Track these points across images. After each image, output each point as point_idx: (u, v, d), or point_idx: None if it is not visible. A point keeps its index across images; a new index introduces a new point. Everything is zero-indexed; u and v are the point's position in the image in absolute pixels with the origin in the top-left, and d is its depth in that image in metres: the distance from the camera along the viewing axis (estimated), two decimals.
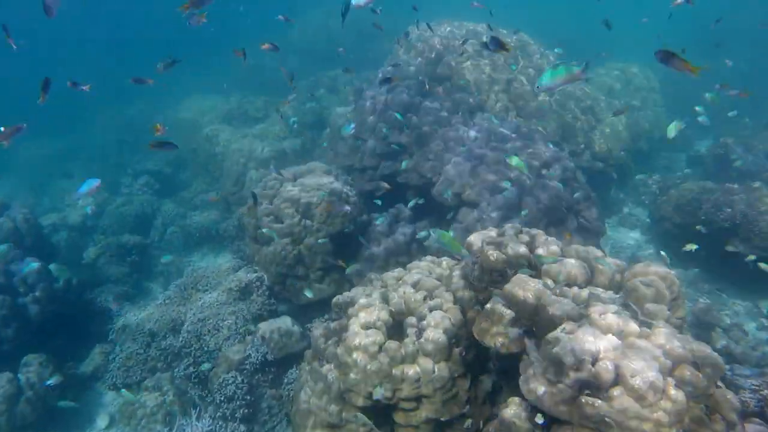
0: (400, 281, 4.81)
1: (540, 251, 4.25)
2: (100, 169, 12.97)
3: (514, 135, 7.19)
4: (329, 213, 6.47)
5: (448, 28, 9.07)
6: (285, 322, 6.07)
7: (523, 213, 6.24)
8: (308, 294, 6.22)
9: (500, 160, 6.57)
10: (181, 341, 6.03)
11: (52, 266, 8.87)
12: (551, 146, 7.09)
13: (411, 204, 6.92)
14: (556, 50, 9.46)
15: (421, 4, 8.11)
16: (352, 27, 17.50)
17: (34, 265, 6.73)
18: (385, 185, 7.20)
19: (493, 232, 4.74)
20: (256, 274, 6.60)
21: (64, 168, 13.59)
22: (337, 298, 4.93)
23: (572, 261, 4.11)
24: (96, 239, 9.74)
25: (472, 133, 7.26)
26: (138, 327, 6.49)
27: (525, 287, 3.82)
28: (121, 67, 20.31)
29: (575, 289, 3.92)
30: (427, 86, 8.22)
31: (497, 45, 5.08)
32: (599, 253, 4.54)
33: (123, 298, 7.94)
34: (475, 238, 4.57)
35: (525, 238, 4.39)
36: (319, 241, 6.32)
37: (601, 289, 4.25)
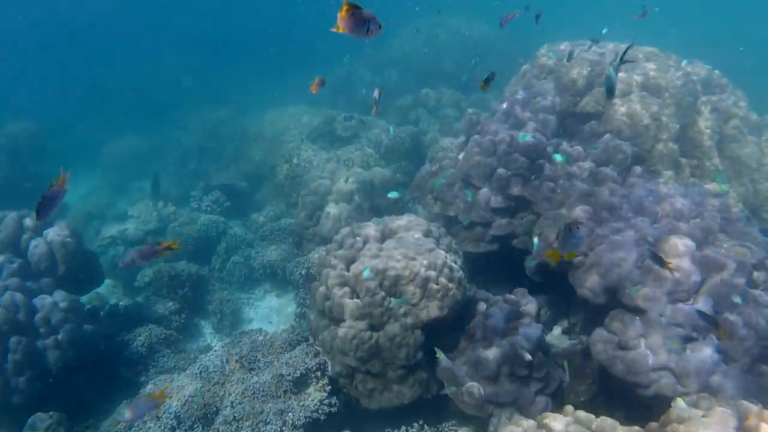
0: None
1: None
2: (175, 175, 12.15)
3: (700, 209, 5.00)
4: (424, 292, 4.67)
5: (600, 50, 6.97)
6: None
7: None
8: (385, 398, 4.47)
9: (688, 249, 4.42)
10: None
11: (101, 288, 7.89)
12: (761, 233, 4.82)
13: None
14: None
15: (556, 17, 6.19)
16: (459, 42, 15.79)
17: (59, 302, 5.56)
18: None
19: (715, 407, 2.69)
20: (316, 359, 4.94)
21: (145, 168, 12.92)
22: None
23: None
24: (154, 260, 8.67)
25: (636, 198, 5.15)
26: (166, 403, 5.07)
27: None
28: (216, 66, 20.09)
29: None
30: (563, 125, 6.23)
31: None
32: None
33: (163, 344, 6.65)
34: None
35: None
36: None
37: None
